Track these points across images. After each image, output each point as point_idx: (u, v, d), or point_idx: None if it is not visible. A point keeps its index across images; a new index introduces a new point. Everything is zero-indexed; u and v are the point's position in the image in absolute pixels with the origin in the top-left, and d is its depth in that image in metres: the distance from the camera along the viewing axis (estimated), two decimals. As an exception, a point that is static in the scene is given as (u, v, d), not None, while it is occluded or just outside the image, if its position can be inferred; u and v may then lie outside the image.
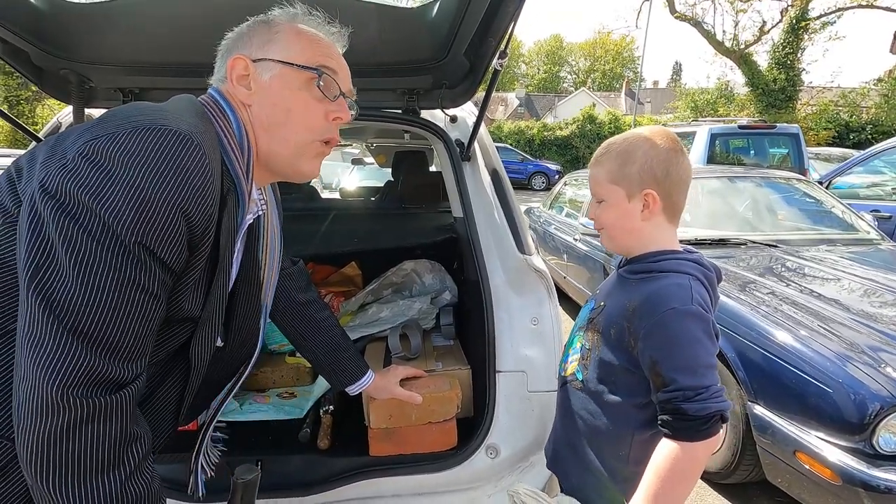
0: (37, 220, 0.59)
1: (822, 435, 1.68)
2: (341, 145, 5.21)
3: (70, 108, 1.53)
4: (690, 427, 0.79)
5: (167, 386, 0.81)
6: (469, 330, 1.62)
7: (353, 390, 1.24)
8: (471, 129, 1.58)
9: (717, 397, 0.80)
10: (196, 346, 0.79)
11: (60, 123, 1.63)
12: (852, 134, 15.12)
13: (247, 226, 0.84)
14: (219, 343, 0.88)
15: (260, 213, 0.89)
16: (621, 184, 0.91)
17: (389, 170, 3.29)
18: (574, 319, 1.10)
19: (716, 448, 0.84)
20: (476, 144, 1.62)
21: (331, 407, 1.51)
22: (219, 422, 1.07)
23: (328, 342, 1.19)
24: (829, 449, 1.64)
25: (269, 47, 0.79)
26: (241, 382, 1.01)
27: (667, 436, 0.82)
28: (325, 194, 5.24)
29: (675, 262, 0.89)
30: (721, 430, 0.82)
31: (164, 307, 0.66)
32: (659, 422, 0.83)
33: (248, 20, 0.84)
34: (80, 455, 0.58)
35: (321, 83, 0.79)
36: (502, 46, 1.16)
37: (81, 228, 0.58)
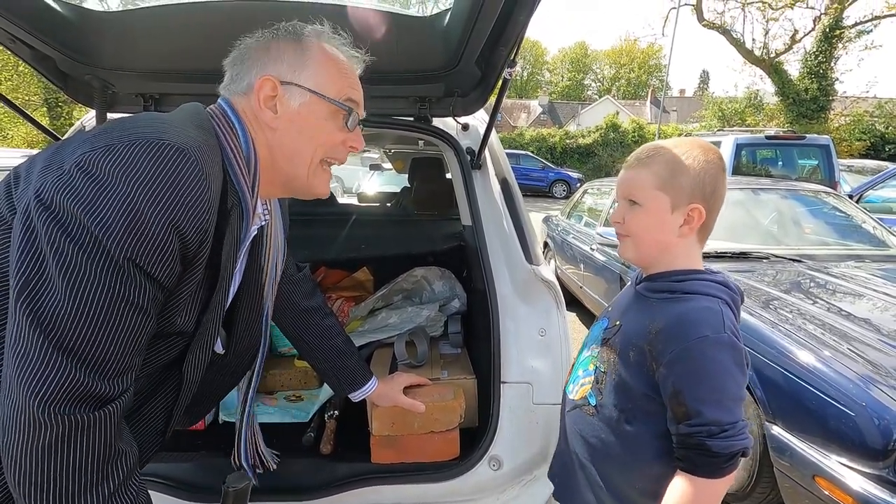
0: (30, 231, 0.58)
1: (843, 460, 1.61)
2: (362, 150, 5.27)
3: (93, 113, 1.58)
4: (712, 464, 0.75)
5: (157, 399, 0.80)
6: (476, 339, 1.61)
7: (355, 397, 1.24)
8: (482, 138, 1.58)
9: (742, 434, 0.75)
10: (190, 361, 0.78)
11: (84, 126, 1.69)
12: (888, 146, 14.61)
13: (251, 238, 0.84)
14: (220, 350, 0.89)
15: (264, 223, 0.89)
16: (668, 192, 0.84)
17: (406, 175, 3.32)
18: (588, 328, 1.05)
19: (732, 482, 0.80)
20: (486, 153, 1.62)
21: (336, 412, 1.52)
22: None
23: (332, 348, 1.20)
24: (851, 475, 1.57)
25: (301, 73, 0.78)
26: (256, 383, 1.04)
27: (684, 469, 0.77)
28: (344, 198, 5.30)
29: (701, 284, 0.83)
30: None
31: (154, 323, 0.66)
32: (677, 455, 0.79)
33: (273, 29, 0.82)
34: (64, 471, 0.58)
35: (349, 120, 0.81)
36: (512, 56, 1.15)
37: (73, 242, 0.57)
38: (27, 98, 12.89)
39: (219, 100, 0.81)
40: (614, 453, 0.86)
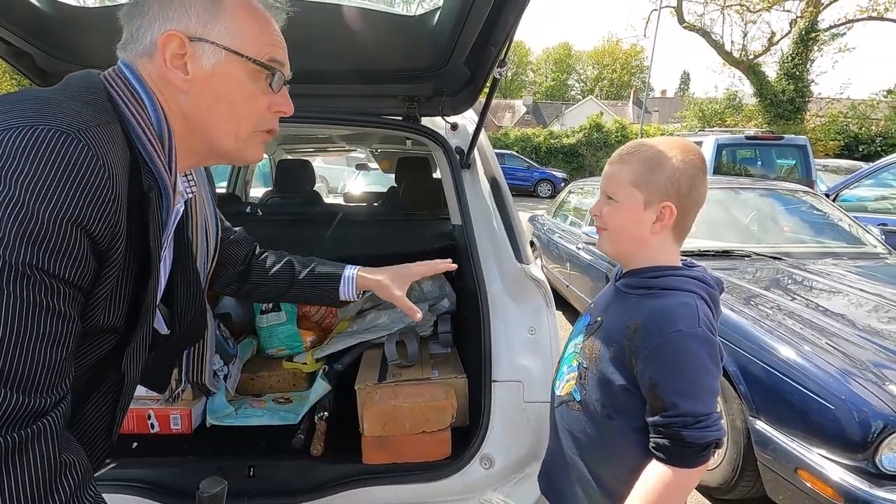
0: None
1: (824, 452, 1.65)
2: (346, 150, 5.23)
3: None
4: (686, 454, 0.77)
5: (96, 398, 0.74)
6: (466, 338, 1.62)
7: (347, 292, 1.11)
8: (471, 137, 1.58)
9: (716, 425, 0.78)
10: (128, 357, 0.71)
11: None
12: (861, 146, 15.06)
13: (179, 216, 0.77)
14: (165, 330, 0.83)
15: (188, 197, 0.82)
16: (642, 189, 0.86)
17: (393, 175, 3.30)
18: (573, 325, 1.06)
19: (704, 473, 0.81)
20: (476, 152, 1.62)
21: (326, 413, 1.51)
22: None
23: (292, 271, 1.12)
24: (832, 467, 1.61)
25: (213, 26, 0.68)
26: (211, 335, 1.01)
27: (659, 459, 0.79)
28: (329, 198, 5.26)
29: (676, 279, 0.85)
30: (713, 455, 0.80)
31: (78, 325, 0.59)
32: (652, 444, 0.81)
33: None
34: (5, 494, 0.52)
35: (273, 81, 0.73)
36: (502, 55, 1.16)
37: None
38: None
39: (118, 62, 0.70)
40: (599, 447, 0.89)
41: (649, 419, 0.81)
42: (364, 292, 1.14)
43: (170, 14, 0.67)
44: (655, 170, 0.85)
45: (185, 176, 0.81)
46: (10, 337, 0.52)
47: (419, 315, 1.10)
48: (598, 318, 0.93)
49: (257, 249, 1.15)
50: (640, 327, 0.82)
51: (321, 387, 1.59)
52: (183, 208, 0.80)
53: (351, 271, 1.12)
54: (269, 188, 3.44)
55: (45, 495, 0.54)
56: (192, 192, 0.83)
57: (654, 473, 0.79)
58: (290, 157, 4.04)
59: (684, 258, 0.91)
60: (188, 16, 0.67)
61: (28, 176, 0.51)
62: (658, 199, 0.85)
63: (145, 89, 0.67)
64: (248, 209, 2.51)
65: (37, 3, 1.18)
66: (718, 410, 0.80)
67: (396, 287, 1.10)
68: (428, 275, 1.17)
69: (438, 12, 1.23)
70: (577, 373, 0.94)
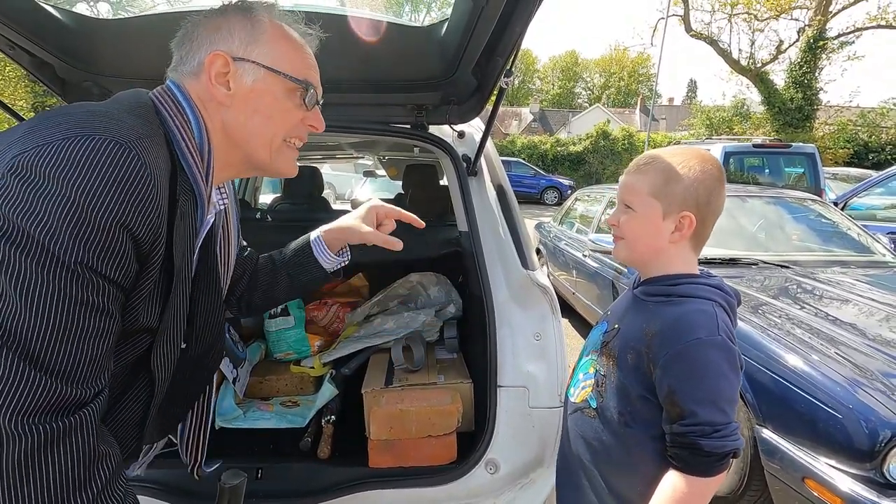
0: None
1: (831, 462, 1.64)
2: (354, 157, 5.28)
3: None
4: (704, 463, 0.77)
5: (129, 399, 0.77)
6: (472, 343, 1.63)
7: (326, 258, 1.06)
8: (478, 145, 1.61)
9: (734, 435, 0.77)
10: (157, 357, 0.75)
11: None
12: (871, 154, 14.92)
13: (208, 227, 0.81)
14: (182, 344, 0.84)
15: (220, 209, 0.86)
16: (661, 199, 0.86)
17: (400, 182, 3.33)
18: (581, 334, 1.07)
19: (722, 481, 0.81)
20: (482, 160, 1.64)
21: (333, 417, 1.52)
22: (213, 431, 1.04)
23: (273, 260, 1.11)
24: (839, 476, 1.60)
25: (254, 48, 0.76)
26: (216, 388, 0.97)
27: (676, 468, 0.79)
28: (337, 205, 5.30)
29: (694, 287, 0.85)
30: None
31: (119, 323, 0.63)
32: (669, 453, 0.80)
33: (221, 6, 0.78)
34: (45, 480, 0.56)
35: (306, 97, 0.80)
36: (508, 66, 1.18)
37: (19, 251, 0.54)
38: (13, 103, 12.76)
39: (167, 82, 0.77)
40: (615, 455, 0.88)
41: (666, 428, 0.81)
42: (343, 257, 1.09)
43: (216, 38, 0.76)
44: (673, 180, 0.86)
45: (219, 189, 0.86)
46: (56, 330, 0.56)
47: (399, 245, 1.02)
48: (616, 326, 0.93)
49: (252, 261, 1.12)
50: (659, 334, 0.82)
51: (328, 391, 1.61)
52: (213, 220, 0.84)
53: (316, 237, 1.08)
54: (278, 194, 3.48)
55: (83, 483, 0.58)
56: (224, 204, 0.88)
57: (671, 482, 0.79)
58: (298, 163, 4.08)
59: (701, 267, 0.91)
60: (232, 39, 0.75)
61: (84, 181, 0.56)
62: (677, 209, 0.86)
63: (190, 106, 0.74)
64: (257, 215, 2.55)
65: (59, 16, 1.22)
66: (737, 420, 0.79)
67: (365, 224, 1.04)
68: (400, 217, 1.07)
69: (446, 23, 1.26)
70: (593, 380, 0.93)
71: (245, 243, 1.14)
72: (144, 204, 0.61)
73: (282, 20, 0.80)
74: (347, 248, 1.11)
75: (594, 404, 0.92)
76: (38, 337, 0.55)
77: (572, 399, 1.00)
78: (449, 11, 1.22)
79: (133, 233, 0.60)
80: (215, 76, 0.74)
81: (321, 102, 0.85)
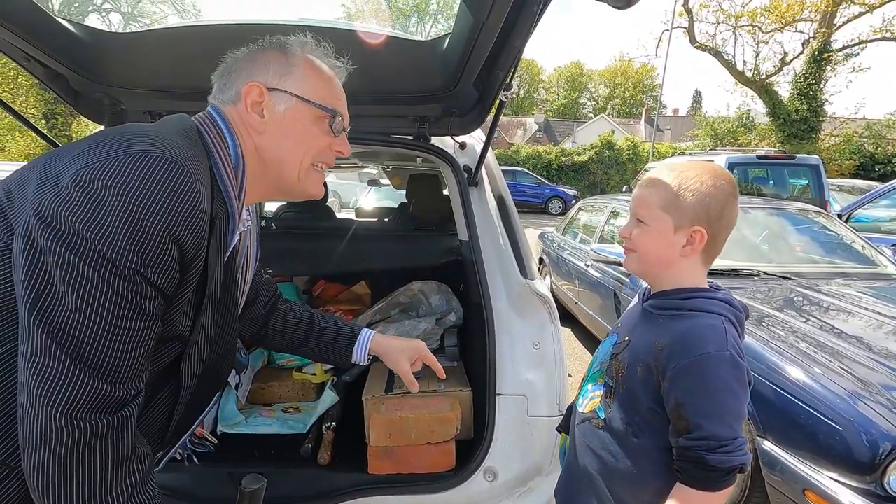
0: (33, 248, 0.60)
1: (832, 474, 1.63)
2: (359, 166, 5.34)
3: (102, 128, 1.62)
4: (709, 477, 0.77)
5: (155, 405, 0.82)
6: (472, 352, 1.64)
7: (359, 354, 1.14)
8: (478, 156, 1.63)
9: (740, 450, 0.77)
10: (187, 364, 0.80)
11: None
12: (878, 165, 14.89)
13: (234, 244, 0.86)
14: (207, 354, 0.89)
15: (245, 229, 0.91)
16: (672, 213, 0.87)
17: (404, 191, 3.36)
18: (584, 344, 1.08)
19: (728, 495, 0.82)
20: (483, 171, 1.67)
21: (333, 423, 1.54)
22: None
23: (312, 325, 1.15)
24: (840, 489, 1.59)
25: (287, 79, 0.83)
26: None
27: (682, 481, 0.80)
28: (341, 213, 5.34)
29: (704, 301, 0.85)
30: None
31: (159, 327, 0.68)
32: (675, 467, 0.81)
33: (259, 42, 0.86)
34: (86, 474, 0.60)
35: (334, 124, 0.86)
36: (508, 79, 1.21)
37: (78, 256, 0.59)
38: (25, 110, 12.95)
39: (208, 108, 0.85)
40: (622, 466, 0.88)
41: (673, 441, 0.81)
42: (371, 357, 1.17)
43: (253, 70, 0.83)
44: (685, 194, 0.86)
45: (248, 209, 0.90)
46: (106, 332, 0.61)
47: (416, 387, 1.14)
48: (626, 338, 0.94)
49: (282, 298, 1.19)
50: (668, 347, 0.82)
51: (329, 397, 1.63)
52: (237, 239, 0.88)
53: (367, 335, 1.15)
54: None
55: (121, 478, 0.63)
56: (248, 225, 0.93)
57: (678, 496, 0.80)
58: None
59: (710, 280, 0.92)
60: (267, 71, 0.83)
61: (141, 193, 0.62)
62: (689, 224, 0.86)
63: (229, 130, 0.81)
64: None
65: (73, 29, 1.27)
66: (744, 435, 0.79)
67: (405, 358, 1.13)
68: (433, 367, 1.19)
69: (448, 37, 1.29)
70: (602, 391, 0.94)
71: (268, 270, 1.18)
72: (193, 216, 0.66)
73: (314, 54, 0.87)
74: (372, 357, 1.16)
75: (602, 415, 0.92)
76: (89, 337, 0.60)
77: (580, 409, 1.00)
78: (451, 26, 1.25)
79: (180, 242, 0.65)
80: (251, 105, 0.81)
81: (348, 129, 0.91)
